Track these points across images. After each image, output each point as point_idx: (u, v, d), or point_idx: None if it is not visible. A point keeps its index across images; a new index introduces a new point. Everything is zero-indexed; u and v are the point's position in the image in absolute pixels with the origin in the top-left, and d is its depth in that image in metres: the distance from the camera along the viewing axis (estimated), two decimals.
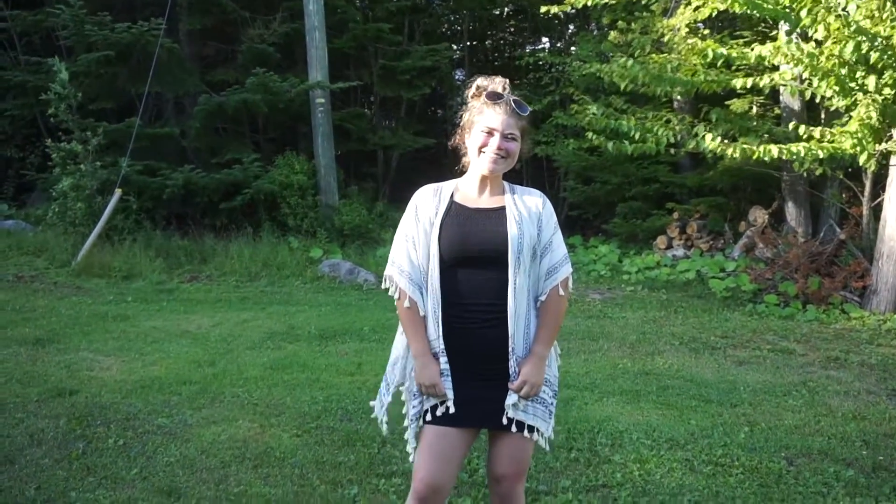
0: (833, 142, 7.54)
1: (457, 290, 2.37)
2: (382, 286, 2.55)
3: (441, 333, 2.39)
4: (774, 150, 7.63)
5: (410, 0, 14.04)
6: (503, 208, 2.43)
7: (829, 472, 3.78)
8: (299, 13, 12.04)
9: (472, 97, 2.50)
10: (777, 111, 10.61)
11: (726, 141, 8.03)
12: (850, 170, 9.23)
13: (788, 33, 8.97)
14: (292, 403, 4.78)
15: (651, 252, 11.44)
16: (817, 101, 8.32)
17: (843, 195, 9.66)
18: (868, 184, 8.88)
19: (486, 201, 2.45)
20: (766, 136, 9.29)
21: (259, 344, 6.49)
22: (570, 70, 12.45)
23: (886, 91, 7.20)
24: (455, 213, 2.43)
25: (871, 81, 6.95)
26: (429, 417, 2.42)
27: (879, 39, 6.69)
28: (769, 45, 7.60)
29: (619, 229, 12.22)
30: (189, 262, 10.35)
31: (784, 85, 8.36)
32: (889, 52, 6.72)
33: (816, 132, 7.82)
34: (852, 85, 7.24)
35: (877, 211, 8.80)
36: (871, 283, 8.30)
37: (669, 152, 10.19)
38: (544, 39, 18.86)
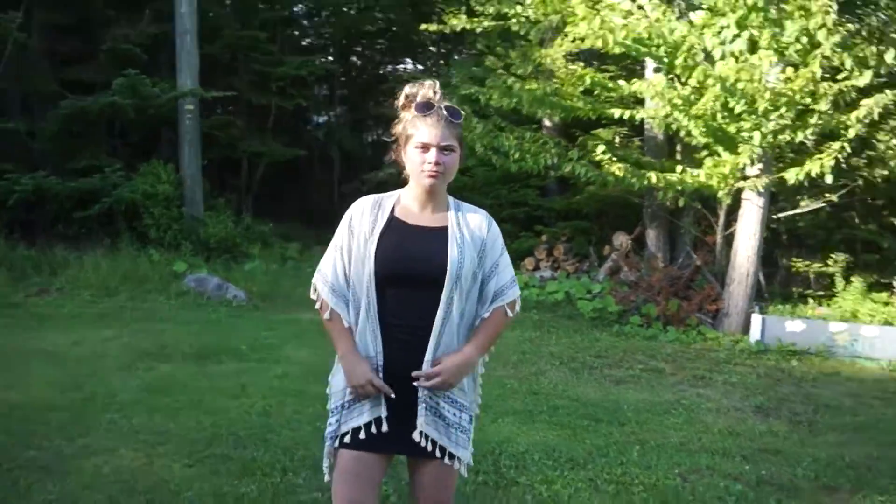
0: (699, 177, 8.07)
1: (387, 308, 2.26)
2: (309, 294, 2.40)
3: (381, 350, 2.27)
4: (654, 177, 8.07)
5: (280, 11, 13.80)
6: (445, 228, 2.31)
7: (720, 486, 3.99)
8: (168, 15, 11.47)
9: (401, 108, 2.35)
10: (638, 142, 11.27)
11: (620, 165, 8.34)
12: (705, 201, 9.90)
13: (656, 70, 9.57)
14: (177, 430, 4.47)
15: (519, 273, 11.74)
16: (682, 134, 8.87)
17: (700, 224, 10.36)
18: (722, 215, 9.58)
19: (429, 218, 2.33)
20: (634, 164, 9.80)
21: (129, 365, 6.05)
22: (446, 91, 12.59)
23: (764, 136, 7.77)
24: (394, 229, 2.30)
25: (756, 136, 7.51)
26: (347, 440, 2.29)
27: (740, 91, 7.25)
28: (646, 84, 8.05)
29: None
30: (37, 274, 9.52)
31: (653, 118, 8.85)
32: (751, 104, 7.31)
33: (678, 169, 8.37)
34: (727, 128, 7.79)
35: (729, 239, 9.51)
36: (723, 307, 8.93)
37: (539, 176, 10.59)
38: (408, 60, 19.12)
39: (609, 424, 5.04)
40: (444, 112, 2.26)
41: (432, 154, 2.24)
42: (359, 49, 18.56)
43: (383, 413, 2.26)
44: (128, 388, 5.37)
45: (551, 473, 4.04)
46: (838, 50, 7.01)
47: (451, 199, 2.39)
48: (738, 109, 7.48)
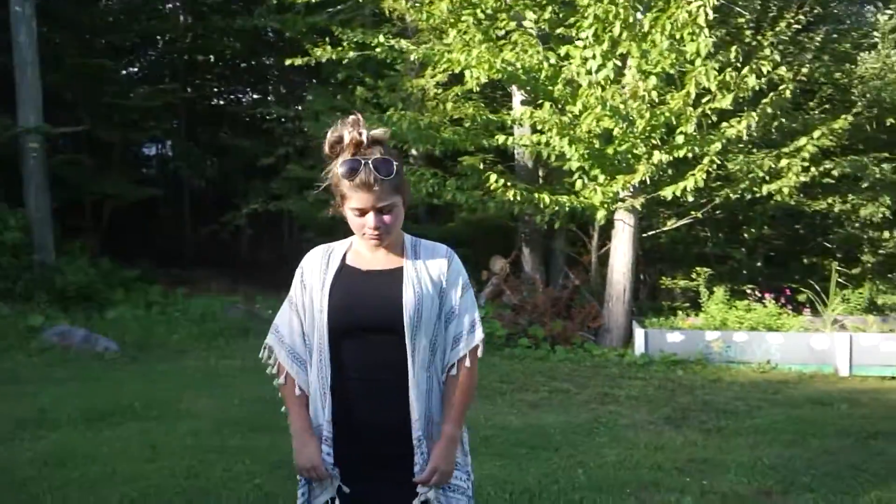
0: (591, 198, 8.45)
1: (349, 364, 2.09)
2: (260, 355, 2.24)
3: (330, 417, 2.09)
4: (547, 198, 8.36)
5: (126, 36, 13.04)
6: (400, 269, 2.13)
7: (671, 501, 4.15)
8: (5, 44, 10.50)
9: (328, 156, 2.08)
10: (499, 168, 11.57)
11: (513, 190, 8.51)
12: (579, 222, 10.35)
13: (523, 102, 9.96)
14: None
15: None
16: (552, 160, 9.23)
17: (574, 245, 10.82)
18: (595, 235, 10.06)
19: (382, 261, 2.15)
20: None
21: (9, 436, 5.40)
22: (305, 122, 12.48)
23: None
24: (345, 277, 2.14)
25: (655, 156, 7.95)
26: None
27: (623, 117, 7.71)
28: (527, 111, 8.33)
29: None
30: None
31: (526, 146, 9.13)
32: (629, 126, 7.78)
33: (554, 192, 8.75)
34: (606, 150, 8.21)
35: (602, 258, 10.01)
36: (604, 323, 9.37)
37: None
38: (259, 88, 18.70)
39: (545, 450, 5.10)
40: (373, 172, 1.99)
41: (370, 218, 2.04)
42: (209, 77, 17.89)
43: (333, 493, 2.11)
44: (19, 462, 4.79)
45: None
46: (713, 71, 7.64)
47: (406, 237, 2.20)
48: (617, 132, 7.93)
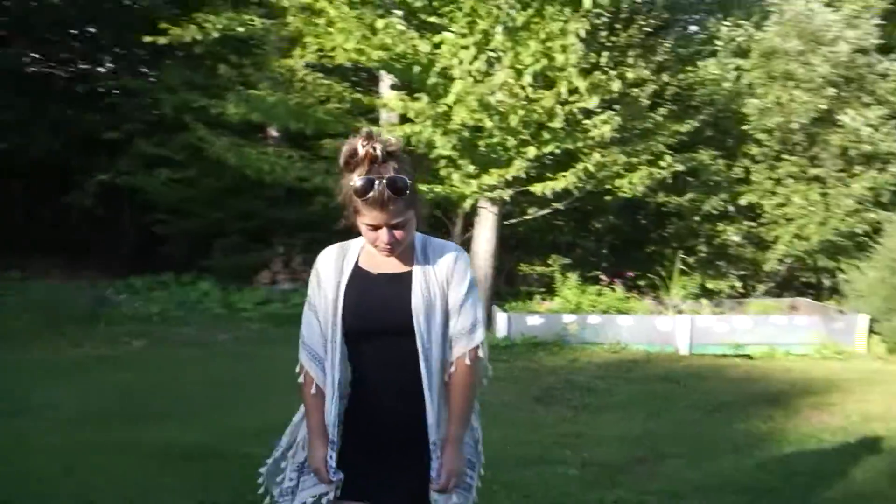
0: (454, 187, 8.65)
1: (363, 366, 2.18)
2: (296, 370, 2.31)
3: (337, 421, 2.17)
4: (424, 187, 8.45)
5: None
6: (410, 273, 2.18)
7: (559, 472, 4.44)
8: None
9: (343, 168, 2.09)
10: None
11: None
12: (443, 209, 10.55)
13: (393, 87, 10.00)
14: None
15: (256, 287, 11.45)
16: (420, 149, 9.36)
17: (438, 231, 11.01)
18: (459, 221, 10.31)
19: (392, 265, 2.19)
20: None
21: None
22: (163, 98, 11.84)
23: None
24: (358, 280, 2.20)
25: (532, 152, 8.21)
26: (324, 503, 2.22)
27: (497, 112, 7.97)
28: (402, 101, 8.40)
29: (220, 265, 11.95)
30: None
31: (401, 136, 9.17)
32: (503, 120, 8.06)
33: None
34: (478, 143, 8.43)
35: (464, 244, 10.28)
36: None
37: (267, 186, 10.46)
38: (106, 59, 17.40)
39: None
40: (387, 191, 2.02)
41: (383, 234, 2.09)
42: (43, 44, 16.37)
43: (331, 495, 2.20)
44: None
45: None
46: (583, 74, 8.07)
47: (417, 237, 2.24)
48: (488, 125, 8.18)
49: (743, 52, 10.95)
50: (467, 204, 8.91)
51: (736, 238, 10.94)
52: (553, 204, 9.56)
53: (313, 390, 2.22)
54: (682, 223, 11.22)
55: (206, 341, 8.52)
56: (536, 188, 8.61)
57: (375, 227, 2.08)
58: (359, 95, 9.25)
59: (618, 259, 11.72)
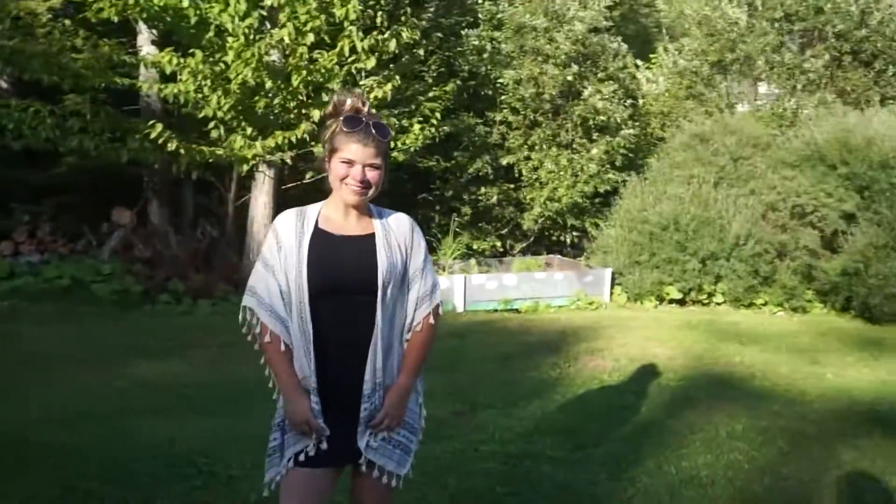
0: (234, 150, 8.30)
1: (326, 321, 2.25)
2: (240, 318, 2.31)
3: (314, 368, 2.24)
4: (206, 150, 8.01)
5: None
6: (372, 235, 2.32)
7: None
8: None
9: (328, 116, 2.31)
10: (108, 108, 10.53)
11: (182, 143, 7.92)
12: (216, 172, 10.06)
13: (154, 42, 9.32)
14: None
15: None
16: (187, 107, 8.82)
17: (208, 195, 10.49)
18: (233, 186, 9.93)
19: (354, 227, 2.32)
20: (136, 136, 9.29)
21: None
22: None
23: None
24: (320, 241, 2.28)
25: (314, 113, 7.98)
26: (302, 458, 2.28)
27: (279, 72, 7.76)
28: (172, 56, 7.85)
29: None
30: None
31: (174, 94, 8.53)
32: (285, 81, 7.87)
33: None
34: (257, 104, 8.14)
35: (239, 210, 9.95)
36: (245, 275, 9.39)
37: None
38: None
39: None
40: (372, 130, 2.23)
41: (357, 171, 2.22)
42: None
43: (324, 445, 2.27)
44: None
45: None
46: (360, 33, 8.09)
47: (372, 206, 2.38)
48: (269, 85, 7.95)
49: (499, 26, 11.71)
50: (246, 168, 8.62)
51: (493, 200, 11.76)
52: None
53: (282, 347, 2.26)
54: (448, 186, 11.80)
55: None
56: (319, 149, 8.55)
57: (350, 164, 2.21)
58: (116, 50, 8.50)
59: None
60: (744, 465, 4.18)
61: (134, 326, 7.63)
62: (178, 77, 8.19)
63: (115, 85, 8.57)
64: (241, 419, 4.79)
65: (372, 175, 2.25)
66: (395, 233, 2.36)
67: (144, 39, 9.66)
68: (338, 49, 8.10)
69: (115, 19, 8.12)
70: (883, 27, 10.93)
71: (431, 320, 2.40)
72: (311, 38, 7.99)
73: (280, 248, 2.27)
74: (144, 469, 3.93)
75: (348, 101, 2.28)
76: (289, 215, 2.33)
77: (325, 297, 2.24)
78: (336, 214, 2.33)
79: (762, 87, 12.58)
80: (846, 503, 3.77)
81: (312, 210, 2.35)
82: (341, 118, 2.25)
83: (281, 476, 2.30)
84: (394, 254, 2.32)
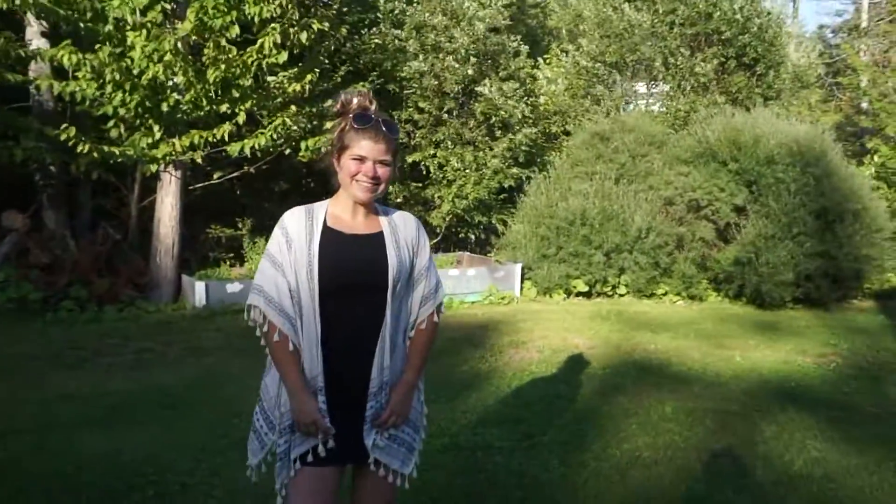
0: (142, 150, 7.98)
1: (333, 321, 2.26)
2: (245, 317, 2.29)
3: (322, 370, 2.25)
4: (117, 150, 7.66)
5: None
6: (380, 234, 2.34)
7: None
8: None
9: (336, 114, 2.32)
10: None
11: (98, 145, 7.51)
12: (117, 173, 9.62)
13: (44, 34, 8.83)
14: None
15: None
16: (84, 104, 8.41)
17: (108, 197, 10.00)
18: (137, 187, 9.53)
19: (362, 226, 2.34)
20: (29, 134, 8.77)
21: None
22: None
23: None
24: (331, 240, 2.28)
25: (241, 118, 7.77)
26: (310, 458, 2.29)
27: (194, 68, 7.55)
28: (73, 52, 7.46)
29: None
30: None
31: (76, 90, 8.09)
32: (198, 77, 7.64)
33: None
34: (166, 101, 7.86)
35: (142, 212, 9.57)
36: (152, 278, 9.07)
37: None
38: None
39: (197, 406, 5.03)
40: (383, 127, 2.27)
41: (369, 167, 2.25)
42: None
43: (331, 444, 2.29)
44: None
45: None
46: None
47: (377, 205, 2.42)
48: (180, 79, 7.71)
49: (399, 24, 11.77)
50: (154, 168, 8.32)
51: (399, 199, 11.83)
52: (246, 167, 9.36)
53: (290, 347, 2.25)
54: None
55: None
56: (234, 148, 8.37)
57: (362, 160, 2.23)
58: (17, 45, 8.02)
59: None
60: (680, 445, 4.47)
61: (38, 336, 7.23)
62: (76, 73, 7.81)
63: (6, 82, 8.05)
64: (176, 427, 4.68)
65: (382, 171, 2.28)
66: (403, 231, 2.40)
67: (34, 32, 9.10)
68: (257, 46, 7.94)
69: (3, 6, 7.62)
70: (762, 32, 11.76)
71: (436, 318, 2.47)
72: (237, 29, 7.82)
73: (290, 247, 2.26)
74: (95, 481, 3.79)
75: (355, 100, 2.30)
76: (298, 213, 2.32)
77: (334, 295, 2.25)
78: (345, 213, 2.35)
79: (655, 88, 13.25)
80: (774, 474, 4.10)
81: (320, 208, 2.36)
82: (351, 116, 2.28)
83: (289, 478, 2.31)
84: (402, 252, 2.36)
